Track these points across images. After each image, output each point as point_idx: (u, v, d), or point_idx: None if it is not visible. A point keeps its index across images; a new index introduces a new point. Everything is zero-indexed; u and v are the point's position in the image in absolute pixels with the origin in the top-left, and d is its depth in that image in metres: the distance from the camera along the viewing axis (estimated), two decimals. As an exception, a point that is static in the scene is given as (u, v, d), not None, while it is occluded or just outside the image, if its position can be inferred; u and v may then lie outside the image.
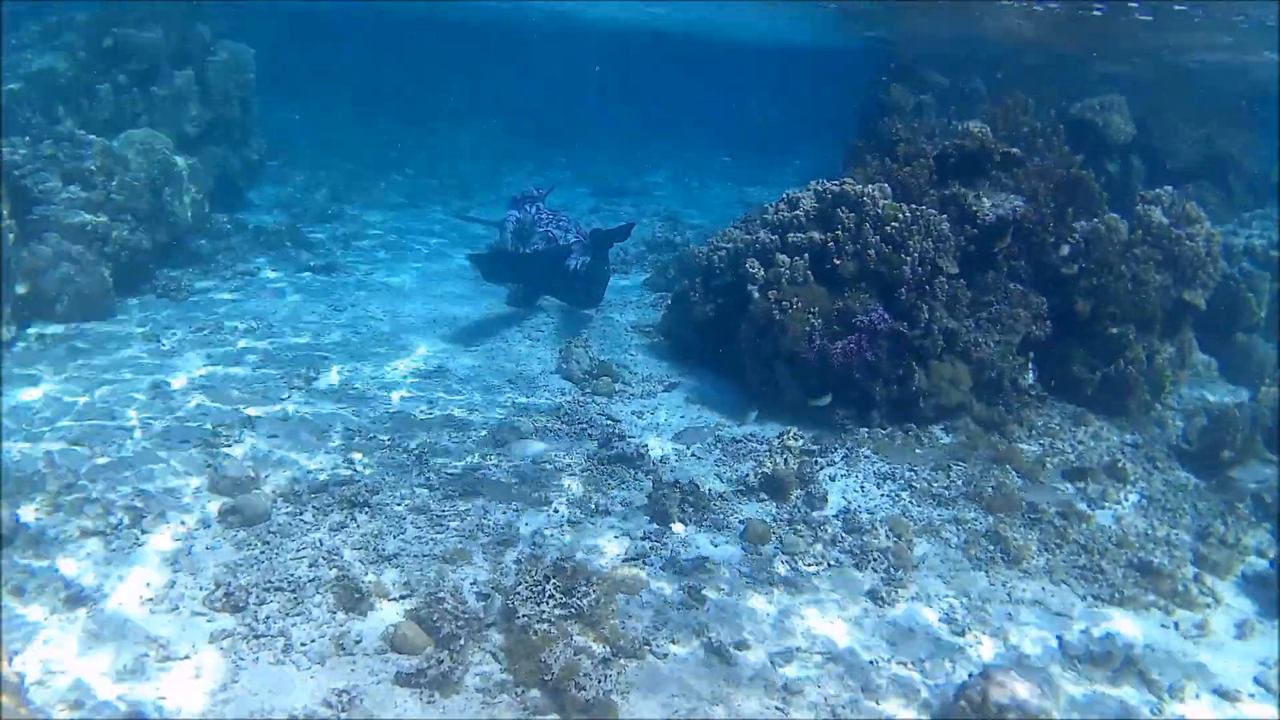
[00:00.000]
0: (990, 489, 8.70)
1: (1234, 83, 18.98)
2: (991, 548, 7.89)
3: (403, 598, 6.56)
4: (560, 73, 38.05)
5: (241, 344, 10.87)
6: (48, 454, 7.95)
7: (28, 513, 7.06)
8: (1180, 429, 10.42)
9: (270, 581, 6.53)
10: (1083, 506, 8.71)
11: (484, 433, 9.23)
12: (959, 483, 8.88)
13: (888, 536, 7.90)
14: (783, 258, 10.08)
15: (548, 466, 8.66)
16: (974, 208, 10.16)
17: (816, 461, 9.03)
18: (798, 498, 8.41)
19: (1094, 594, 7.45)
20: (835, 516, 8.20)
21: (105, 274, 11.35)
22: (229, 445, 8.48)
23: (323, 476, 8.11)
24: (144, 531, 7.03)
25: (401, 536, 7.30)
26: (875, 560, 7.56)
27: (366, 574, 6.75)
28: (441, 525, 7.51)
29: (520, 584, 6.51)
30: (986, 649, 6.70)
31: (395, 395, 9.95)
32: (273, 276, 13.67)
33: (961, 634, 6.83)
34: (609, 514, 7.97)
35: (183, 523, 7.22)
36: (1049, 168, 11.15)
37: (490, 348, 11.63)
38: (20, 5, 14.71)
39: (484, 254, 14.49)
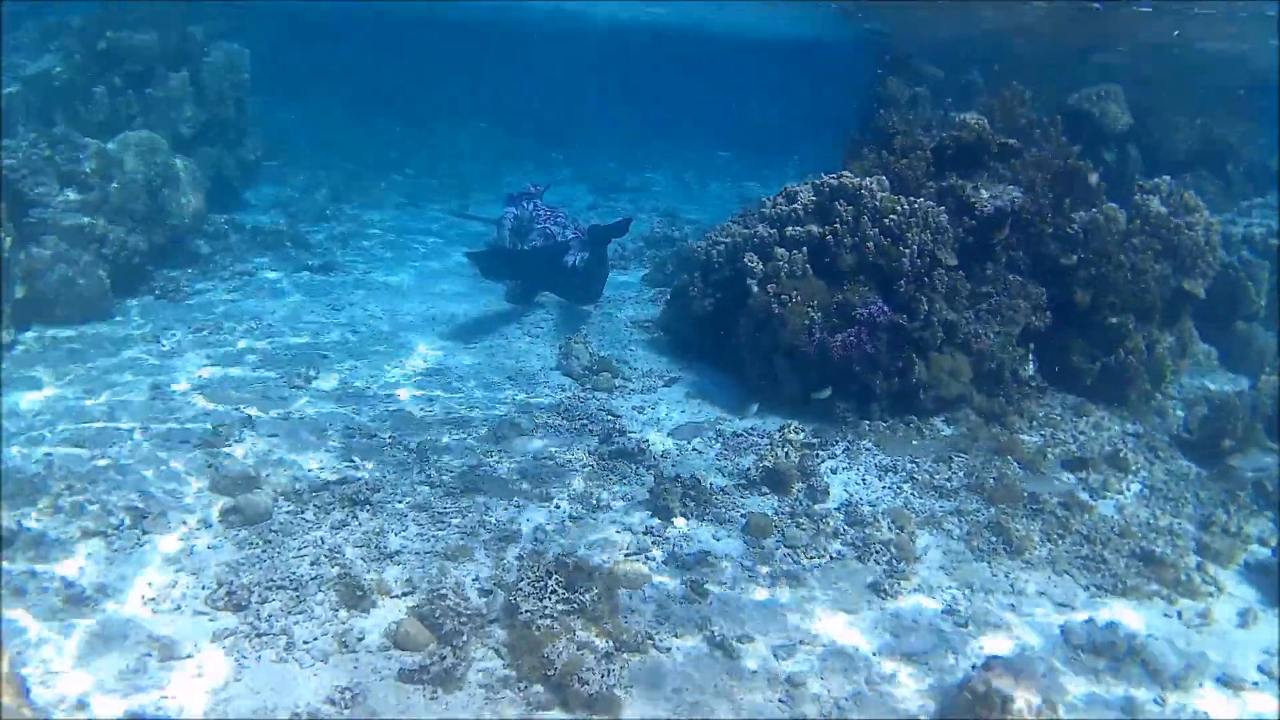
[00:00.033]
0: (992, 480, 8.69)
1: (1232, 71, 18.94)
2: (994, 539, 7.89)
3: (405, 595, 6.56)
4: (559, 71, 38.00)
5: (240, 344, 10.86)
6: (48, 456, 7.95)
7: (29, 515, 7.05)
8: (1181, 418, 10.42)
9: (272, 580, 6.53)
10: (1084, 497, 8.70)
11: (485, 430, 9.22)
12: (960, 474, 8.88)
13: (890, 529, 7.90)
14: (781, 251, 10.07)
15: (549, 463, 8.65)
16: (972, 199, 10.15)
17: (818, 455, 9.02)
18: (799, 491, 8.40)
19: (1097, 584, 7.45)
20: (837, 509, 8.19)
21: (103, 276, 11.34)
22: (229, 445, 8.47)
23: (323, 475, 8.11)
24: (145, 532, 7.02)
25: (403, 534, 7.30)
26: (877, 552, 7.55)
27: (368, 571, 6.75)
28: (443, 522, 7.51)
29: (522, 580, 6.51)
30: (989, 640, 6.69)
31: (395, 393, 9.94)
32: (271, 276, 13.65)
33: (964, 625, 6.82)
34: (610, 509, 7.97)
35: (184, 523, 7.21)
36: (1046, 158, 11.14)
37: (490, 345, 11.62)
38: (20, 5, 14.70)
39: (482, 251, 14.48)
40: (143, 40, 14.59)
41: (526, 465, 8.58)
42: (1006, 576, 7.44)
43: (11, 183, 10.88)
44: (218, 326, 11.29)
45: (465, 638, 6.00)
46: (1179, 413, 10.60)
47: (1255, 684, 6.48)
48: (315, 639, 6.04)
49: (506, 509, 7.81)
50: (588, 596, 6.37)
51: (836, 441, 9.37)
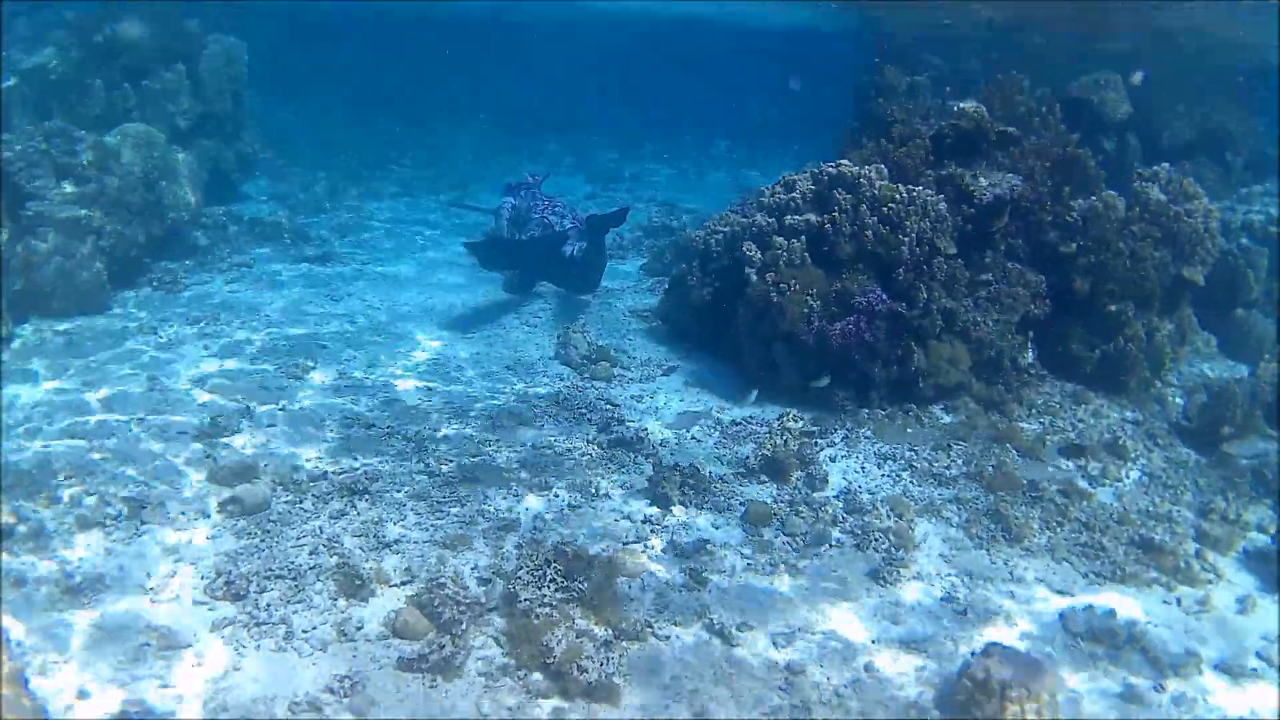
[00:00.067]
0: (991, 468, 8.69)
1: (1231, 58, 18.90)
2: (993, 526, 7.89)
3: (404, 584, 6.56)
4: (557, 63, 37.90)
5: (239, 335, 10.85)
6: (46, 448, 7.94)
7: (27, 506, 7.05)
8: (1180, 405, 10.41)
9: (271, 569, 6.53)
10: (1083, 484, 8.70)
11: (483, 419, 9.22)
12: (959, 462, 8.87)
13: (889, 516, 7.90)
14: (780, 240, 10.05)
15: (547, 452, 8.65)
16: (971, 187, 10.12)
17: (816, 443, 9.02)
18: (798, 479, 8.40)
19: (1096, 571, 7.44)
20: (836, 497, 8.19)
21: (100, 268, 11.32)
22: (227, 435, 8.46)
23: (322, 465, 8.11)
24: (144, 523, 7.02)
25: (402, 523, 7.30)
26: (876, 540, 7.55)
27: (367, 561, 6.75)
28: (442, 511, 7.50)
29: (521, 568, 6.51)
30: (988, 627, 6.69)
31: (394, 383, 9.93)
32: (269, 268, 13.63)
33: (963, 612, 6.82)
34: (609, 498, 7.96)
35: (182, 513, 7.21)
36: (1045, 146, 11.11)
37: (488, 335, 11.61)
38: (19, 5, 14.67)
39: (480, 242, 14.45)
40: (139, 33, 14.55)
41: (525, 454, 8.58)
42: (1005, 564, 7.44)
43: (8, 175, 10.87)
44: (215, 318, 11.27)
45: (464, 626, 6.00)
46: (1178, 400, 10.59)
47: (1254, 671, 6.48)
48: (314, 628, 6.04)
49: (505, 498, 7.81)
50: (586, 585, 6.38)
51: (835, 430, 9.37)
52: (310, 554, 6.77)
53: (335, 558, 6.72)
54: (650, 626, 6.31)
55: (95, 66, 14.11)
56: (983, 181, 10.20)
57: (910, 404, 9.76)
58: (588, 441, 8.87)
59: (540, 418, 9.33)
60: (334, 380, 9.87)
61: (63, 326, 10.67)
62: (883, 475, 8.64)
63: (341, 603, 6.30)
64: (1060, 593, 7.14)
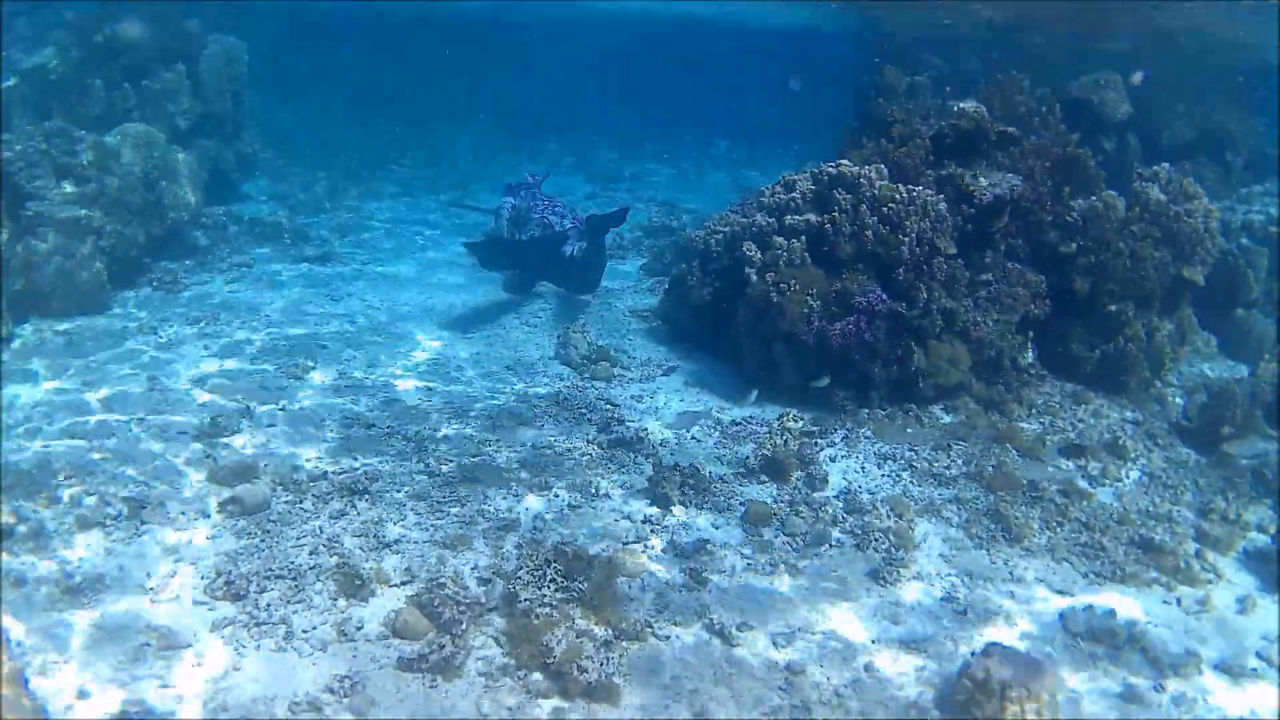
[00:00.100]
0: (991, 468, 8.69)
1: (1231, 58, 18.89)
2: (993, 526, 7.88)
3: (404, 584, 6.56)
4: (557, 63, 37.88)
5: (238, 335, 10.84)
6: (46, 448, 7.94)
7: (27, 506, 7.05)
8: (1180, 405, 10.41)
9: (271, 569, 6.53)
10: (1083, 484, 8.70)
11: (483, 419, 9.22)
12: (959, 462, 8.87)
13: (889, 516, 7.89)
14: (780, 240, 10.05)
15: (547, 452, 8.65)
16: (971, 187, 10.12)
17: (816, 443, 9.02)
18: (798, 479, 8.40)
19: (1096, 571, 7.44)
20: (836, 497, 8.19)
21: (100, 268, 11.32)
22: (227, 435, 8.46)
23: (322, 465, 8.11)
24: (144, 523, 7.02)
25: (402, 523, 7.30)
26: (877, 540, 7.54)
27: (367, 561, 6.75)
28: (441, 511, 7.50)
29: (521, 568, 6.51)
30: (988, 627, 6.69)
31: (394, 383, 9.93)
32: (269, 268, 13.63)
33: (963, 612, 6.81)
34: (609, 498, 7.96)
35: (182, 513, 7.21)
36: (1045, 146, 11.11)
37: (488, 335, 11.61)
38: (19, 5, 14.67)
39: (480, 242, 14.45)
40: (139, 33, 14.55)
41: (525, 454, 8.58)
42: (1005, 564, 7.43)
43: (8, 175, 10.87)
44: (215, 318, 11.27)
45: (464, 626, 6.00)
46: (1178, 400, 10.59)
47: (1254, 671, 6.48)
48: (314, 628, 6.04)
49: (505, 498, 7.81)
50: (587, 585, 6.37)
51: (835, 429, 9.37)
52: (310, 554, 6.77)
53: (335, 558, 6.72)
54: (650, 626, 6.31)
55: (95, 66, 14.11)
56: (983, 181, 10.20)
57: (910, 404, 9.76)
58: (588, 441, 8.87)
59: (540, 418, 9.33)
60: (334, 380, 9.87)
61: (63, 326, 10.66)
62: (883, 475, 8.64)
63: (341, 603, 6.30)
64: (1060, 593, 7.14)
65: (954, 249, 9.84)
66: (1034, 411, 10.01)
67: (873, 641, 6.44)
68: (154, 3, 14.96)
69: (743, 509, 7.85)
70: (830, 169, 10.33)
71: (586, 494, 7.97)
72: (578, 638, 5.98)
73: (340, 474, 7.94)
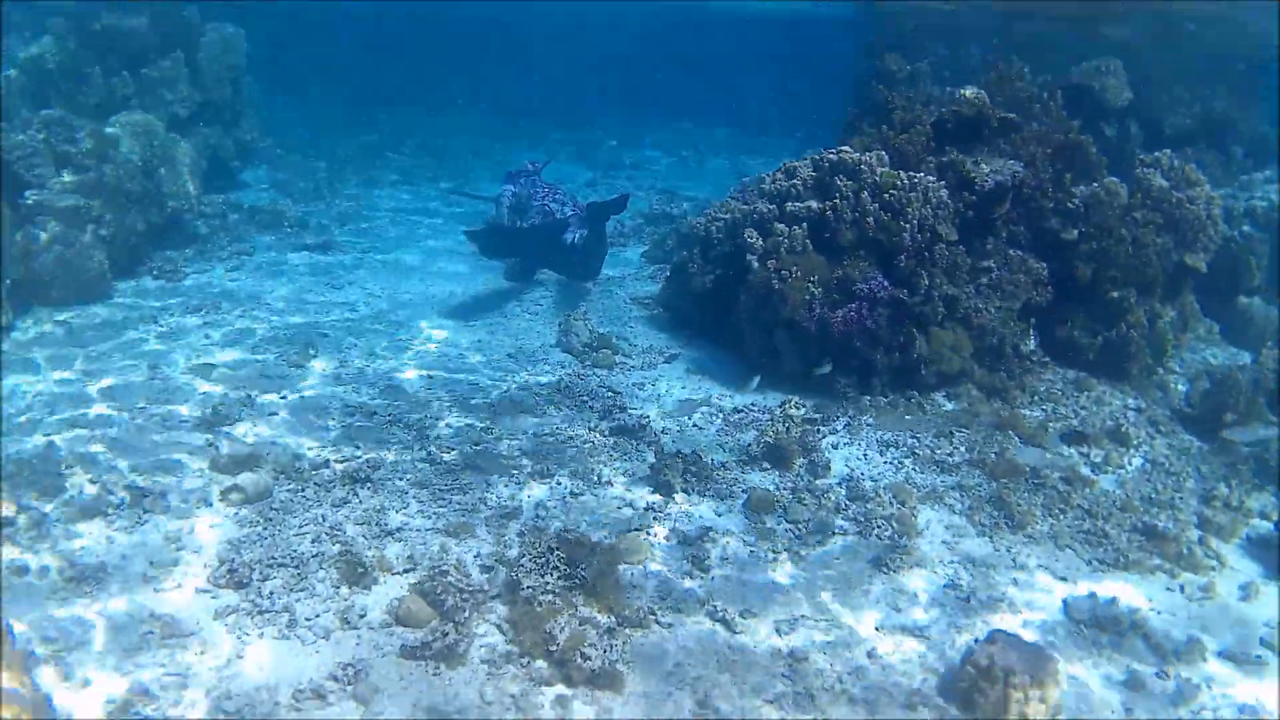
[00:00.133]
0: (993, 455, 8.68)
1: (1231, 42, 18.82)
2: (996, 513, 7.88)
3: (406, 571, 6.56)
4: (558, 50, 37.78)
5: (240, 324, 10.83)
6: (47, 438, 7.93)
7: (28, 496, 7.04)
8: (1183, 392, 10.39)
9: (274, 558, 6.53)
10: (1086, 471, 8.69)
11: (485, 407, 9.20)
12: (962, 449, 8.86)
13: (892, 504, 7.89)
14: (781, 227, 10.02)
15: (549, 439, 8.64)
16: (972, 174, 10.10)
17: (819, 430, 9.01)
18: (801, 466, 8.39)
19: (1099, 558, 7.44)
20: (839, 485, 8.18)
21: (100, 256, 11.29)
22: (229, 424, 8.45)
23: (324, 453, 8.10)
24: (146, 511, 7.01)
25: (404, 511, 7.30)
26: (879, 528, 7.54)
27: (370, 549, 6.74)
28: (444, 499, 7.50)
29: (524, 556, 6.51)
30: (992, 614, 6.68)
31: (395, 371, 9.91)
32: (270, 256, 13.61)
33: (966, 599, 6.81)
34: (612, 485, 7.95)
35: (184, 502, 7.20)
36: (1047, 133, 11.08)
37: (489, 322, 11.59)
38: (18, 5, 14.62)
39: (481, 230, 14.43)
40: (137, 22, 14.52)
41: (527, 442, 8.56)
42: (1008, 551, 7.43)
43: (7, 165, 10.84)
44: (216, 306, 11.26)
45: (467, 614, 6.00)
46: (1181, 387, 10.57)
47: (1258, 657, 6.48)
48: (317, 616, 6.03)
49: (507, 486, 7.81)
50: (589, 572, 6.37)
51: (837, 417, 9.36)
52: (313, 542, 6.77)
53: (338, 546, 6.72)
54: (653, 614, 6.31)
55: (93, 55, 14.06)
56: (984, 168, 10.18)
57: (912, 391, 9.75)
58: (590, 429, 8.86)
59: (542, 405, 9.31)
60: (335, 369, 9.85)
61: (63, 315, 10.65)
62: (885, 462, 8.63)
63: (344, 591, 6.30)
64: (1063, 580, 7.14)
65: (955, 236, 9.82)
66: (1036, 398, 9.99)
67: (876, 628, 6.44)
68: (154, 2, 14.92)
69: (745, 496, 7.84)
70: (831, 156, 10.31)
71: (589, 482, 7.96)
72: (581, 625, 5.98)
73: (342, 462, 7.94)
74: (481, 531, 7.11)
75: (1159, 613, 6.85)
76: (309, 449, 8.17)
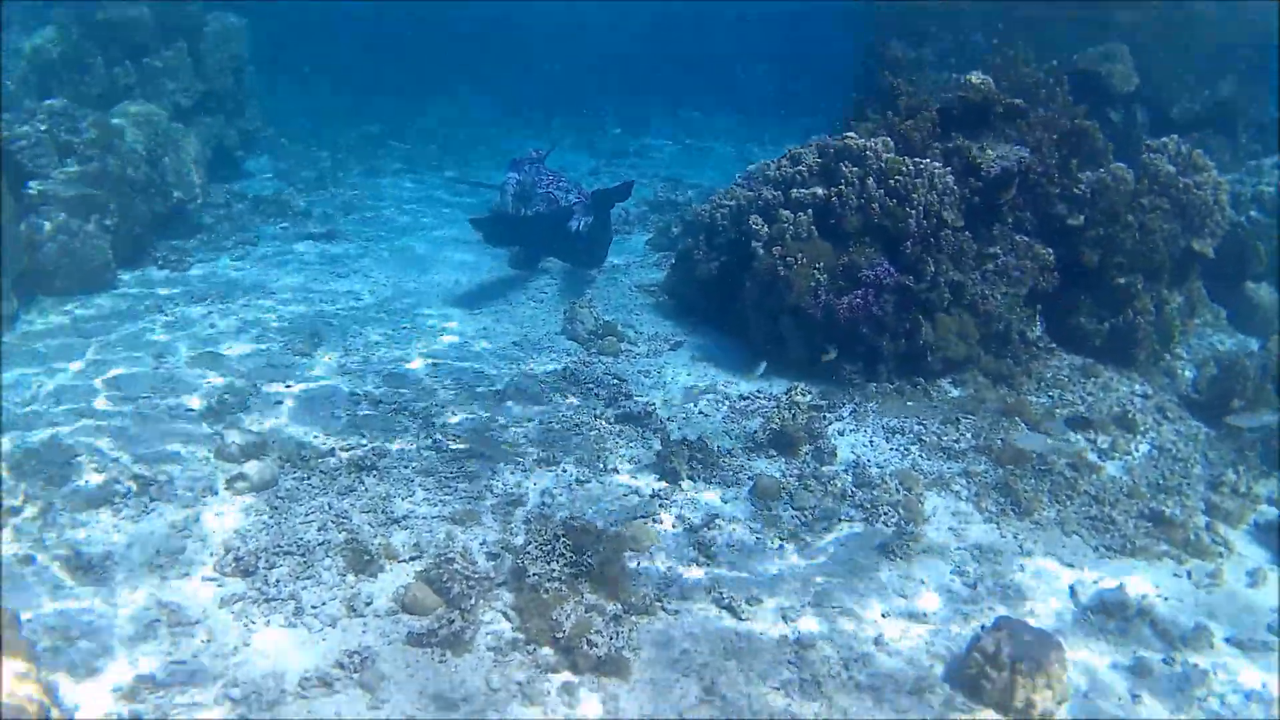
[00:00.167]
0: (999, 441, 8.66)
1: (1239, 29, 18.71)
2: (1002, 500, 7.86)
3: (412, 559, 6.56)
4: (563, 39, 37.66)
5: (245, 313, 10.82)
6: (52, 427, 7.93)
7: (35, 485, 7.04)
8: (1190, 378, 10.36)
9: (279, 546, 6.53)
10: (1093, 457, 8.67)
11: (491, 395, 9.20)
12: (968, 435, 8.84)
13: (898, 490, 7.88)
14: (786, 213, 10.00)
15: (555, 427, 8.63)
16: (978, 160, 10.05)
17: (825, 417, 9.00)
18: (807, 453, 8.38)
19: (1105, 545, 7.42)
20: (845, 471, 8.17)
21: (105, 246, 11.27)
22: (234, 413, 8.45)
23: (330, 441, 8.10)
24: (152, 500, 7.02)
25: (410, 499, 7.30)
26: (886, 514, 7.53)
27: (375, 536, 6.74)
28: (450, 487, 7.50)
29: (530, 543, 6.50)
30: (998, 601, 6.68)
31: (401, 360, 9.90)
32: (275, 245, 13.60)
33: (973, 586, 6.81)
34: (618, 472, 7.95)
35: (191, 490, 7.20)
36: (1053, 119, 11.02)
37: (494, 310, 11.58)
38: (18, 5, 14.60)
39: (485, 217, 14.39)
40: (139, 12, 14.51)
41: (533, 430, 8.56)
42: (1015, 537, 7.42)
43: (11, 154, 10.83)
44: (221, 296, 11.26)
45: (473, 601, 6.00)
46: (1188, 373, 10.54)
47: (1266, 644, 6.47)
48: (323, 604, 6.04)
49: (513, 473, 7.80)
50: (595, 560, 6.36)
51: (843, 403, 9.34)
52: (319, 530, 6.77)
53: (344, 533, 6.72)
54: (660, 601, 6.31)
55: (96, 45, 14.05)
56: (990, 154, 10.13)
57: (918, 377, 9.72)
58: (595, 416, 8.86)
59: (548, 393, 9.31)
60: (341, 357, 9.85)
61: (68, 305, 10.65)
62: (891, 449, 8.61)
63: (350, 578, 6.30)
64: (1070, 566, 7.13)
65: (961, 222, 9.78)
66: (1043, 385, 9.96)
67: (882, 615, 6.44)
68: (154, 2, 14.90)
69: (751, 483, 7.83)
70: (836, 142, 10.27)
71: (595, 469, 7.96)
72: (587, 612, 5.98)
73: (348, 450, 7.93)
74: (487, 519, 7.12)
75: (1166, 599, 6.84)
76: (315, 438, 8.17)
